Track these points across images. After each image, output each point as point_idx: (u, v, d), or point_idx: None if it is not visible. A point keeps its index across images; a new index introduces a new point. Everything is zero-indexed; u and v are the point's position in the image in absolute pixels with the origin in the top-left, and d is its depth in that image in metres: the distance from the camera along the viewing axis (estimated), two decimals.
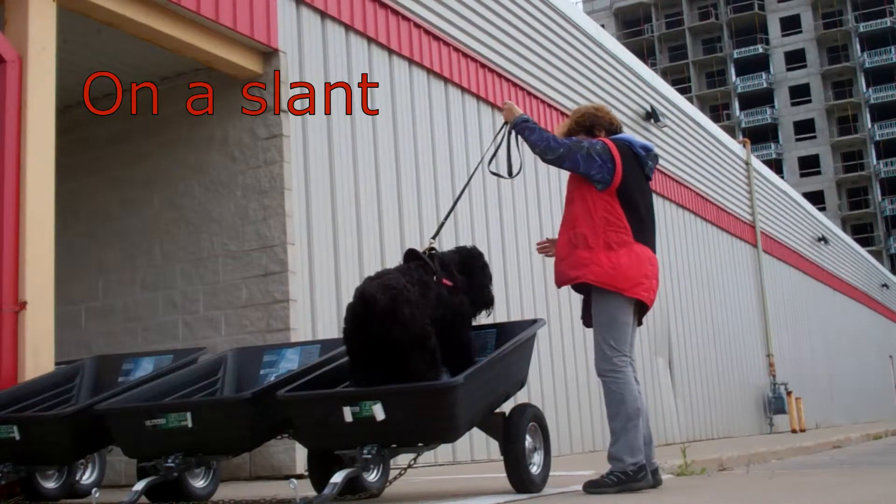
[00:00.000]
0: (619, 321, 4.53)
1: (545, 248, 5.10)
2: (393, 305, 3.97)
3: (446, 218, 5.10)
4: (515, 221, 10.45)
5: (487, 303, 4.76)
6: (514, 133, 4.87)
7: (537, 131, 4.69)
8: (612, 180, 4.56)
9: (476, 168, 5.30)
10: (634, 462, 4.36)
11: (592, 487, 4.35)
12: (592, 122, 4.85)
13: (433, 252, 4.54)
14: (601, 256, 4.50)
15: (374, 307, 3.96)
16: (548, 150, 4.62)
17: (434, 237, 4.74)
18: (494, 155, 5.05)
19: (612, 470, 4.38)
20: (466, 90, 10.06)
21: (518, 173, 5.01)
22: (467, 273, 4.66)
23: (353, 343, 4.11)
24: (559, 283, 4.75)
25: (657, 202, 14.36)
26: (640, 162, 4.71)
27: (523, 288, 10.39)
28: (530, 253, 10.60)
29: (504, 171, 5.01)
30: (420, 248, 4.60)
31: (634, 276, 4.51)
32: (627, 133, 5.01)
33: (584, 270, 4.51)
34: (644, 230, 4.62)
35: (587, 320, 4.79)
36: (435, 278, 4.36)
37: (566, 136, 4.81)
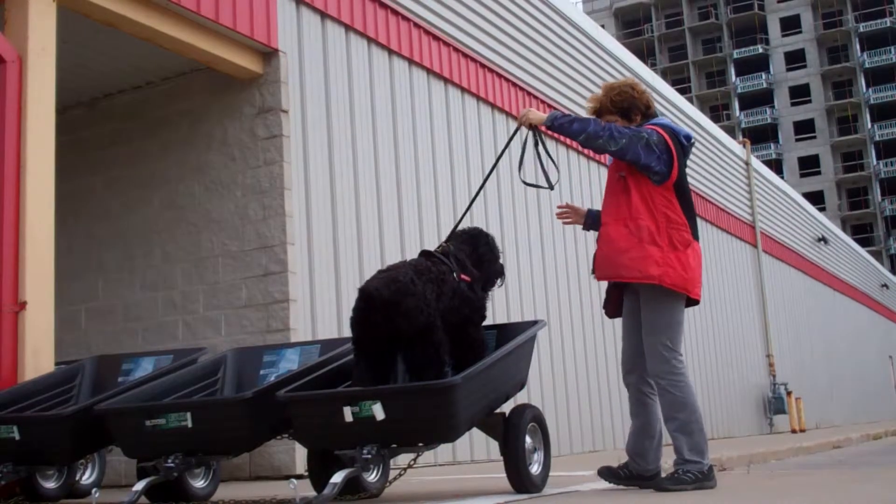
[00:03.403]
0: (676, 321, 4.39)
1: (566, 213, 4.84)
2: (397, 298, 3.97)
3: (461, 220, 4.99)
4: (515, 222, 10.45)
5: (499, 274, 4.69)
6: (539, 141, 4.57)
7: (592, 122, 4.34)
8: (669, 174, 4.34)
9: (491, 170, 5.01)
10: (702, 461, 4.31)
11: (671, 484, 4.25)
12: (630, 105, 4.50)
13: (448, 249, 4.53)
14: (671, 257, 4.28)
15: (376, 300, 3.96)
16: (611, 141, 4.28)
17: (452, 231, 4.68)
18: (521, 163, 4.68)
19: (687, 469, 4.30)
20: (466, 90, 10.06)
21: (557, 181, 4.70)
22: (477, 254, 4.60)
23: (358, 333, 4.11)
24: (616, 276, 4.44)
25: None
26: (684, 152, 4.48)
27: (523, 289, 10.39)
28: (530, 253, 10.61)
29: (541, 181, 4.67)
30: (423, 248, 4.58)
31: (698, 277, 4.39)
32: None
33: (658, 271, 4.27)
34: (696, 225, 4.45)
35: (613, 311, 4.65)
36: (455, 275, 4.35)
37: (595, 116, 4.55)
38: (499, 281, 4.74)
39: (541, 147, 4.61)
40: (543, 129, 4.59)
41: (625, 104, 4.50)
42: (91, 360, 5.56)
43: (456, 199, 9.47)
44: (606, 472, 4.61)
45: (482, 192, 5.22)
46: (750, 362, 18.64)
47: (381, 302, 3.95)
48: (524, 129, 4.71)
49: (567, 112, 4.55)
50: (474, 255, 4.59)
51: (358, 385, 4.09)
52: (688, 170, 4.62)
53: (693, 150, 4.66)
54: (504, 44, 10.86)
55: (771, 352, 19.70)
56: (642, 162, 4.31)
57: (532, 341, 4.66)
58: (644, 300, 4.41)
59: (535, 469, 4.43)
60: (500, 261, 4.76)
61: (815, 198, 56.36)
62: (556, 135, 4.96)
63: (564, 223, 4.98)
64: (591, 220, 4.82)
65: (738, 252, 18.95)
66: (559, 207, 4.92)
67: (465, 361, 4.19)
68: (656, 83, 15.84)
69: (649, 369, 4.45)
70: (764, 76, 64.00)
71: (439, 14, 9.67)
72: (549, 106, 11.66)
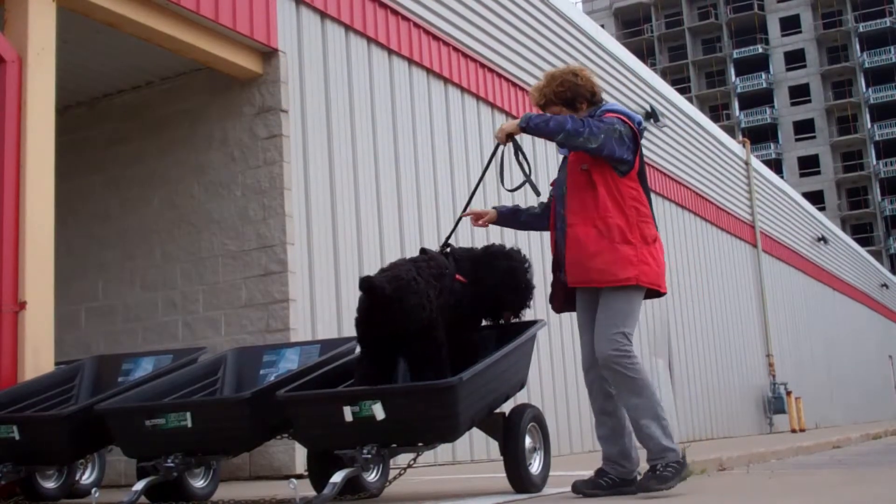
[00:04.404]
0: (635, 312, 4.18)
1: (477, 218, 4.60)
2: (399, 295, 3.97)
3: (460, 219, 4.91)
4: None
5: (501, 306, 4.52)
6: (517, 148, 4.44)
7: (569, 120, 4.06)
8: (633, 163, 4.13)
9: (485, 169, 4.72)
10: (676, 448, 4.11)
11: (658, 483, 4.00)
12: (574, 94, 4.24)
13: (448, 249, 4.51)
14: (645, 253, 4.09)
15: (379, 297, 3.96)
16: (591, 138, 4.02)
17: (448, 238, 4.61)
18: (501, 171, 4.64)
19: (667, 462, 4.06)
20: (466, 90, 10.06)
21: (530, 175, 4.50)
22: (487, 272, 4.48)
23: (362, 332, 4.11)
24: (588, 282, 4.14)
25: (656, 202, 14.37)
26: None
27: None
28: (530, 253, 10.58)
29: (526, 187, 4.44)
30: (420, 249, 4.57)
31: (664, 271, 4.26)
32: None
33: (636, 271, 4.06)
34: (654, 216, 4.27)
35: (560, 305, 4.41)
36: (447, 272, 4.34)
37: (541, 110, 4.33)
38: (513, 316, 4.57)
39: (521, 155, 4.44)
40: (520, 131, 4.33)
41: (568, 94, 4.25)
42: (91, 360, 5.57)
43: (456, 199, 9.47)
44: (585, 485, 4.17)
45: (480, 191, 5.19)
46: (750, 362, 18.64)
47: (384, 299, 3.96)
48: (509, 142, 4.44)
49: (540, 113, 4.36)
50: (473, 272, 4.49)
51: (361, 384, 4.10)
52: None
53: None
54: (504, 44, 10.86)
55: (771, 352, 19.69)
56: (616, 156, 4.09)
57: (532, 341, 4.66)
58: (611, 294, 4.13)
59: (535, 469, 4.43)
60: (511, 286, 4.52)
61: (815, 197, 56.35)
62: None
63: (482, 226, 4.74)
64: (502, 218, 4.66)
65: (738, 252, 18.95)
66: (464, 215, 4.71)
67: (459, 362, 4.19)
68: (656, 83, 15.84)
69: (601, 354, 4.11)
70: (764, 76, 63.99)
71: (439, 14, 9.67)
72: None
